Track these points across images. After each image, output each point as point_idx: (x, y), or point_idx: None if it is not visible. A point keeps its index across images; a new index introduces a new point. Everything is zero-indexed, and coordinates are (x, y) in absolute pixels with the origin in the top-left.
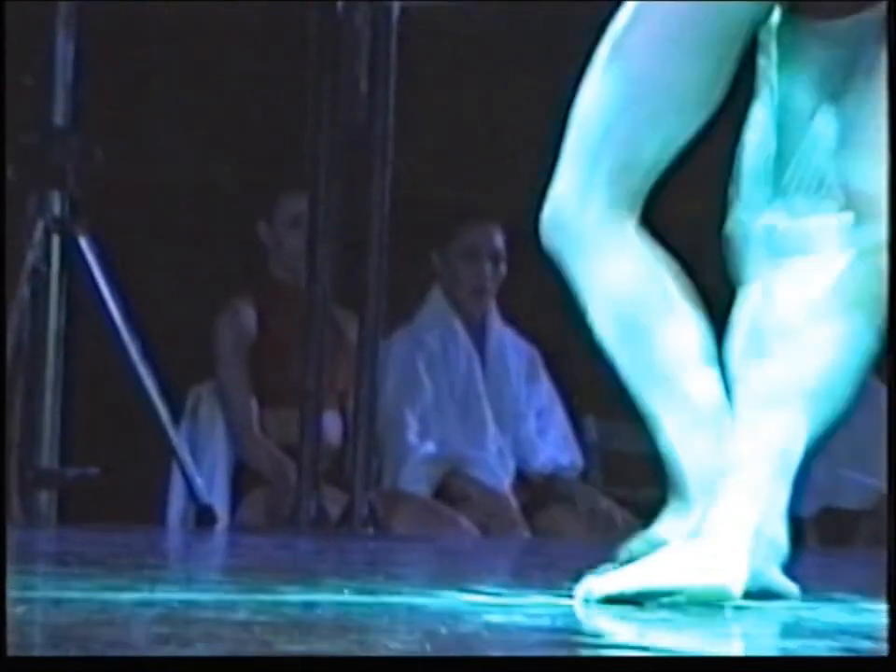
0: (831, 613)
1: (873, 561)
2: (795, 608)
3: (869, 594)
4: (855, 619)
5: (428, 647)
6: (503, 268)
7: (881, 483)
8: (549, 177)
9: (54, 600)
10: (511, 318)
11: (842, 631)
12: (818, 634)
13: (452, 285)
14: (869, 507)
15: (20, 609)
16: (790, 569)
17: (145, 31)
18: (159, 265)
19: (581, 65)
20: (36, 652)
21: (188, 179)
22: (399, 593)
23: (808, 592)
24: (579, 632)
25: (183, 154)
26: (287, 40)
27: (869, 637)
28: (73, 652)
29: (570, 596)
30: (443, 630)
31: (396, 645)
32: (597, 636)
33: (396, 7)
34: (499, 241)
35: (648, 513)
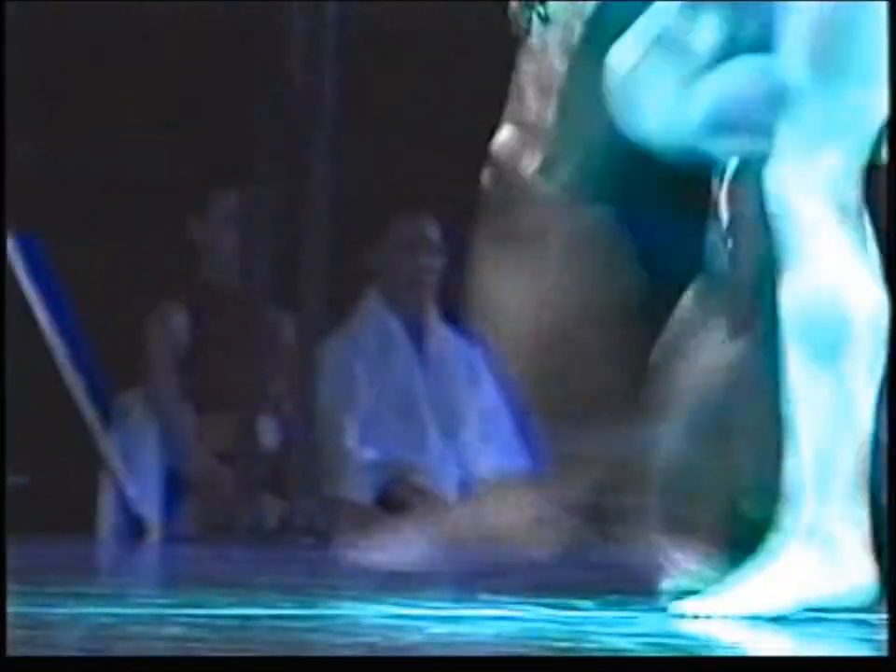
0: None
1: None
2: None
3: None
4: None
5: (371, 658)
6: (439, 260)
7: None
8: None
9: None
10: (451, 317)
11: None
12: None
13: (388, 280)
14: None
15: None
16: None
17: (79, 27)
18: (87, 265)
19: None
20: None
21: (120, 175)
22: (339, 605)
23: None
24: (519, 635)
25: (114, 148)
26: (223, 33)
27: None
28: None
29: (523, 605)
30: (383, 641)
31: (335, 657)
32: (549, 645)
33: (331, 3)
34: (434, 232)
35: (598, 520)
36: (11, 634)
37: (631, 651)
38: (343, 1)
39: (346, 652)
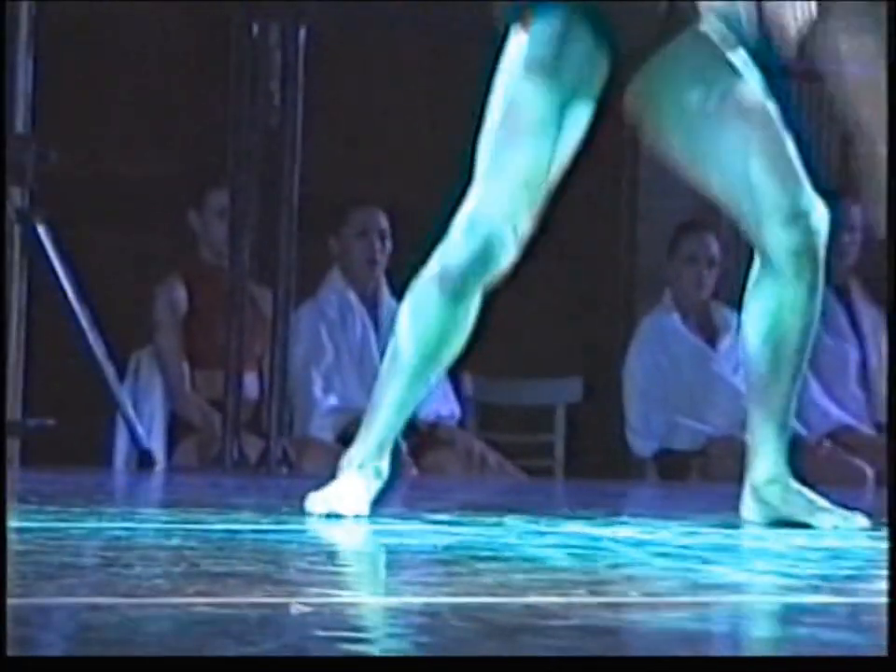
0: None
1: (701, 492)
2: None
3: (699, 518)
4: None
5: (331, 566)
6: (388, 244)
7: (708, 428)
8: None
9: (18, 529)
10: (397, 290)
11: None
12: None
13: (347, 262)
14: (698, 448)
15: None
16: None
17: (92, 50)
18: (105, 248)
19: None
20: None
21: (129, 176)
22: (306, 521)
23: (646, 517)
24: (453, 549)
25: (125, 154)
26: (213, 58)
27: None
28: (28, 569)
29: (450, 523)
30: (342, 551)
31: (303, 564)
32: (466, 548)
33: (303, 31)
34: (384, 222)
35: (515, 455)
36: (11, 634)
37: (542, 557)
38: (312, 29)
39: (311, 559)
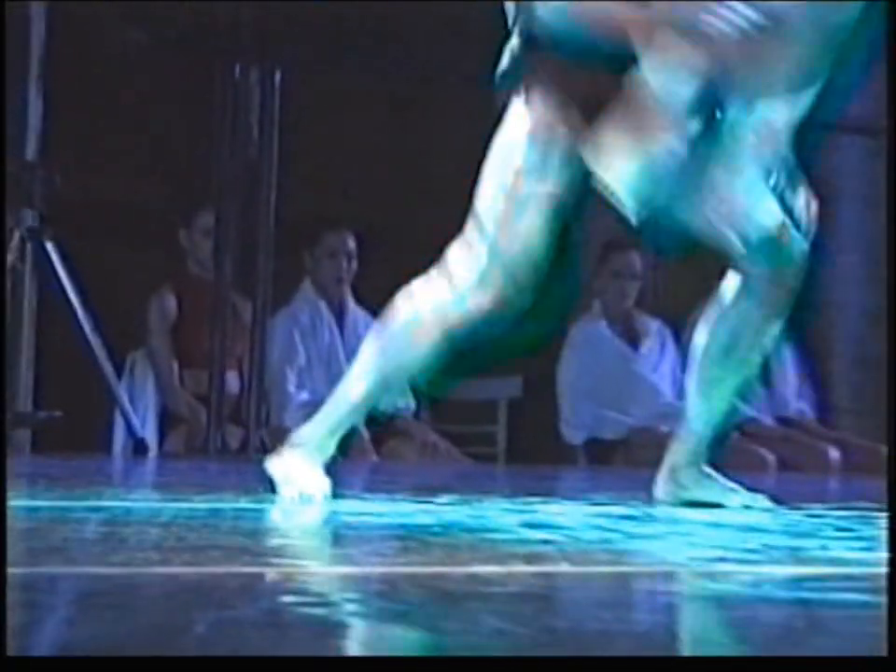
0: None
1: (624, 476)
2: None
3: (624, 498)
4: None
5: (300, 540)
6: (354, 263)
7: (630, 420)
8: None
9: (28, 508)
10: (361, 301)
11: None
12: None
13: (318, 277)
14: (622, 437)
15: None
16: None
17: (94, 88)
18: (105, 262)
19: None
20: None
21: (126, 199)
22: (280, 500)
23: (576, 497)
24: (407, 526)
25: (123, 180)
26: (200, 96)
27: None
28: (37, 543)
29: (410, 502)
30: (311, 526)
31: (276, 538)
32: (419, 524)
33: (279, 73)
34: (352, 243)
35: (463, 443)
36: (11, 633)
37: (484, 532)
38: (287, 71)
39: (283, 534)
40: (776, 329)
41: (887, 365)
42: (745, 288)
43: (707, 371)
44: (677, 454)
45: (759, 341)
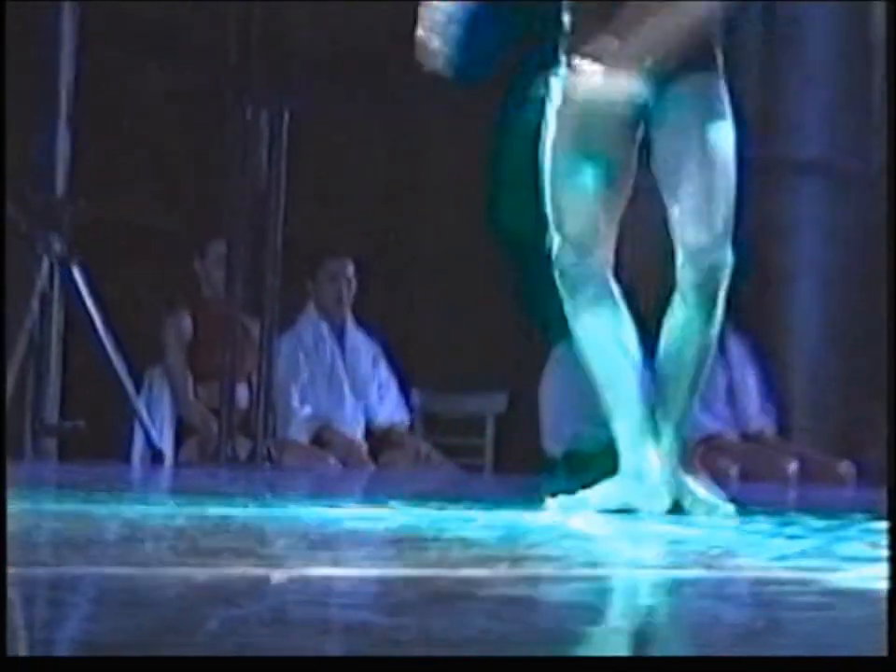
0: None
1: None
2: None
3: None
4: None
5: (304, 543)
6: (354, 288)
7: (608, 433)
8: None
9: (54, 511)
10: (360, 322)
11: None
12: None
13: (321, 300)
14: (599, 450)
15: (30, 519)
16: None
17: (117, 127)
18: (126, 285)
19: (406, 158)
20: (41, 539)
21: (146, 228)
22: (285, 507)
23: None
24: (402, 530)
25: (143, 211)
26: (214, 134)
27: None
28: (62, 544)
29: (404, 509)
30: (313, 531)
31: (282, 541)
32: (414, 529)
33: (286, 112)
34: (351, 269)
35: (454, 454)
36: (11, 634)
37: (473, 537)
38: (294, 112)
39: (288, 538)
40: (710, 332)
41: (887, 367)
42: (680, 297)
43: (659, 376)
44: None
45: (699, 344)
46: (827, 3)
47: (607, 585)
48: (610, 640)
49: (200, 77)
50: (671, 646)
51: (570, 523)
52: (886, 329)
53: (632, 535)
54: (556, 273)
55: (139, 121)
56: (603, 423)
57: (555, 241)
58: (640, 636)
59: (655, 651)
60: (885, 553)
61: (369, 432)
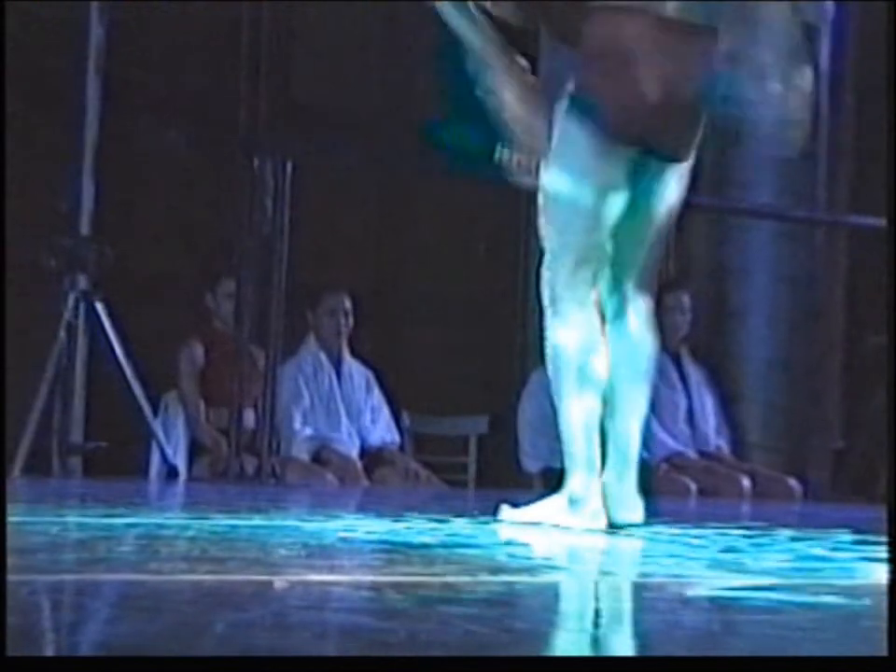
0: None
1: None
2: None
3: None
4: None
5: (304, 552)
6: (350, 320)
7: None
8: (381, 266)
9: (78, 523)
10: (355, 353)
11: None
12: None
13: (320, 332)
14: None
15: (57, 529)
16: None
17: (137, 177)
18: (144, 319)
19: (397, 204)
20: (68, 548)
21: (163, 267)
22: (287, 518)
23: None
24: (392, 541)
25: (160, 252)
26: (224, 182)
27: None
28: (84, 553)
29: (395, 521)
30: (313, 541)
31: (283, 551)
32: (402, 539)
33: (290, 164)
34: (348, 303)
35: (440, 471)
36: (11, 634)
37: (456, 546)
38: (296, 162)
39: (290, 547)
40: (647, 349)
41: (886, 371)
42: (618, 315)
43: (611, 393)
44: (607, 475)
45: (636, 358)
46: None
47: (581, 590)
48: (584, 641)
49: (210, 133)
50: (642, 646)
51: (547, 534)
52: (887, 333)
53: (603, 544)
54: (542, 284)
55: (156, 171)
56: None
57: (546, 255)
58: (614, 636)
59: (626, 650)
60: (885, 552)
61: (363, 452)
